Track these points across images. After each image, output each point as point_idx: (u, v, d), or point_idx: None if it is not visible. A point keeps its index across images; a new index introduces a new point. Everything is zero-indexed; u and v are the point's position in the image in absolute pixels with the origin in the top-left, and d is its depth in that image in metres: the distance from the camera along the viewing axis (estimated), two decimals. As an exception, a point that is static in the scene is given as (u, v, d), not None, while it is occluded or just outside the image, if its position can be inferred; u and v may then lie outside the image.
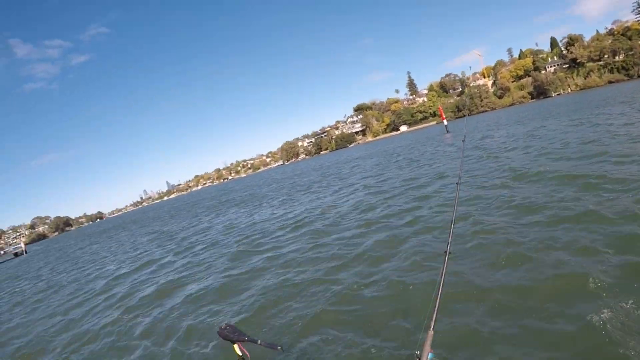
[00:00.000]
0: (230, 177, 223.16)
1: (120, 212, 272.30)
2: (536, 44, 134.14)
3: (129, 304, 11.07)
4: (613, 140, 15.30)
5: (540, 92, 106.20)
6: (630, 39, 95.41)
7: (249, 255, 12.70)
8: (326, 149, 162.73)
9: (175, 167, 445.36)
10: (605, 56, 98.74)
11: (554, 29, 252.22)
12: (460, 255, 7.32)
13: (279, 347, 3.38)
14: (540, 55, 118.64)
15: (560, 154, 15.36)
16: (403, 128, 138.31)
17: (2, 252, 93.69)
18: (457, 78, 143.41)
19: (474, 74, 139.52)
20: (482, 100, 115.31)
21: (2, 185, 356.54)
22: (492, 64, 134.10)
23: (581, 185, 9.98)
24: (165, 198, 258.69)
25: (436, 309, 2.34)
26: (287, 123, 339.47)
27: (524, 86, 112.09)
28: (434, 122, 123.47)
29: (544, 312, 4.98)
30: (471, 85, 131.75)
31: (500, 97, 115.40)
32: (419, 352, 2.11)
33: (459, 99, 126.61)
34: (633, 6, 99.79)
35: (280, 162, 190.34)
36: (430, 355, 2.10)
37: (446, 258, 2.71)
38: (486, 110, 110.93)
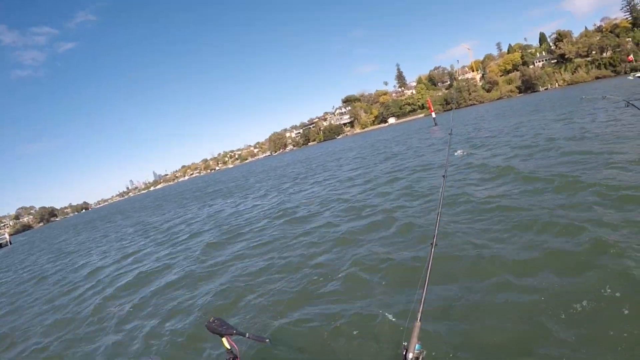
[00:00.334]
0: (217, 168, 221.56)
1: (106, 203, 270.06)
2: (525, 39, 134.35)
3: (111, 293, 11.11)
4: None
5: (528, 86, 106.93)
6: (618, 36, 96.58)
7: (231, 244, 12.75)
8: (314, 140, 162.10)
9: (162, 157, 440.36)
10: (593, 52, 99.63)
11: (543, 25, 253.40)
12: (444, 246, 7.26)
13: (267, 340, 3.27)
14: (529, 50, 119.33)
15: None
16: (391, 120, 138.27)
17: None
18: (445, 71, 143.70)
19: (463, 67, 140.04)
20: (470, 94, 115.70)
21: None
22: (481, 58, 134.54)
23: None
24: (152, 188, 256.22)
25: (422, 299, 2.35)
26: (275, 114, 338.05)
27: (512, 80, 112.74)
28: (422, 115, 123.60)
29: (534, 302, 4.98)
30: (460, 78, 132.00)
31: (488, 91, 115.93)
32: (406, 344, 2.13)
33: (447, 92, 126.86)
34: (622, 4, 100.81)
35: (268, 153, 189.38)
36: (417, 346, 2.09)
37: (432, 249, 2.71)
38: (474, 104, 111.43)
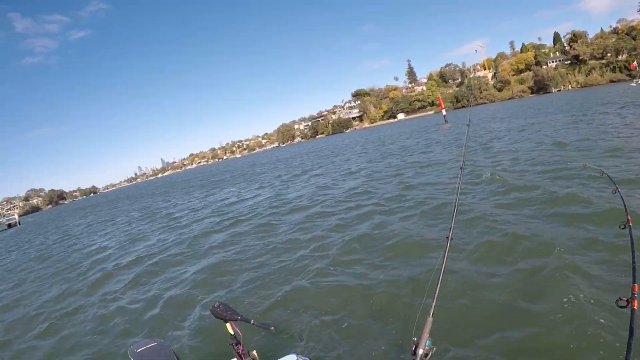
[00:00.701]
0: (225, 157, 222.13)
1: (114, 188, 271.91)
2: (539, 39, 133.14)
3: (113, 273, 11.45)
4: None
5: (540, 87, 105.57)
6: (634, 38, 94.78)
7: (241, 234, 12.62)
8: (322, 133, 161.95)
9: (170, 144, 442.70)
10: (608, 55, 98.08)
11: (558, 25, 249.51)
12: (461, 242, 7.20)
13: (272, 328, 3.18)
14: (543, 50, 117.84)
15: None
16: (400, 116, 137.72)
17: None
18: (457, 68, 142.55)
19: (475, 65, 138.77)
20: (481, 92, 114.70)
21: None
22: (493, 56, 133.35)
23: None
24: (160, 175, 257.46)
25: (436, 295, 2.30)
26: (284, 105, 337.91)
27: (525, 80, 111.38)
28: (432, 112, 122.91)
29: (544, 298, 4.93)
30: (471, 76, 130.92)
31: (499, 90, 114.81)
32: (416, 339, 2.06)
33: (458, 90, 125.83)
34: (639, 5, 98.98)
35: (276, 144, 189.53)
36: (428, 342, 2.04)
37: (448, 243, 2.63)
38: (485, 103, 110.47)
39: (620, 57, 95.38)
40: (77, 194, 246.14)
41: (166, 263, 11.22)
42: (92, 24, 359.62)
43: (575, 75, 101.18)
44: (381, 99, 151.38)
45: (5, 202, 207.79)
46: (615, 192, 2.63)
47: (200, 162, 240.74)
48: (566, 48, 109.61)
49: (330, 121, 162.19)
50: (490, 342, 4.40)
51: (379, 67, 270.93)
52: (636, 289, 1.83)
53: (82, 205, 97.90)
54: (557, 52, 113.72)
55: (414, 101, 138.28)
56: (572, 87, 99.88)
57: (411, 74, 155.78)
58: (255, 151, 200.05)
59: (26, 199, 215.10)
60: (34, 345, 7.61)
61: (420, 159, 21.16)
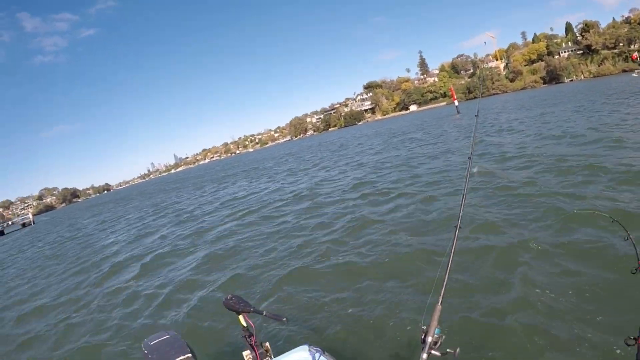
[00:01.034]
0: (237, 152, 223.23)
1: (127, 184, 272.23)
2: (551, 29, 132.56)
3: (129, 268, 11.79)
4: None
5: (552, 77, 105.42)
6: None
7: (255, 224, 13.12)
8: (334, 125, 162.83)
9: (183, 140, 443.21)
10: (621, 44, 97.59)
11: (570, 14, 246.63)
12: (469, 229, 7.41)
13: (284, 319, 3.13)
14: (555, 40, 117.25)
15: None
16: (413, 107, 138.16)
17: (10, 222, 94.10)
18: (469, 59, 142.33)
19: (487, 55, 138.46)
20: (493, 83, 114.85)
21: (11, 157, 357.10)
22: (505, 47, 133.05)
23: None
24: (173, 171, 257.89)
25: (444, 282, 2.26)
26: (296, 99, 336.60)
27: (537, 70, 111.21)
28: (444, 103, 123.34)
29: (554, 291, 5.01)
30: (483, 67, 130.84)
31: (512, 81, 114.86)
32: (424, 327, 2.05)
33: (470, 81, 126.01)
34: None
35: (288, 138, 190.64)
36: (437, 330, 2.03)
37: (456, 231, 2.56)
38: (497, 93, 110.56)
39: (632, 47, 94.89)
40: (91, 191, 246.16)
41: (177, 256, 11.59)
42: (101, 22, 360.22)
43: (587, 65, 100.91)
44: (393, 91, 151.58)
45: (19, 202, 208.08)
46: (627, 239, 2.51)
47: (212, 157, 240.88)
48: (578, 38, 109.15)
49: (343, 114, 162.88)
50: (500, 334, 4.49)
51: (391, 58, 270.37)
52: None
53: (95, 202, 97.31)
54: (569, 42, 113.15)
55: (426, 92, 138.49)
56: (584, 77, 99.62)
57: (423, 66, 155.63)
58: (267, 145, 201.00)
59: (40, 198, 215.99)
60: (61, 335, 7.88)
61: (434, 150, 22.12)
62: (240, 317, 3.02)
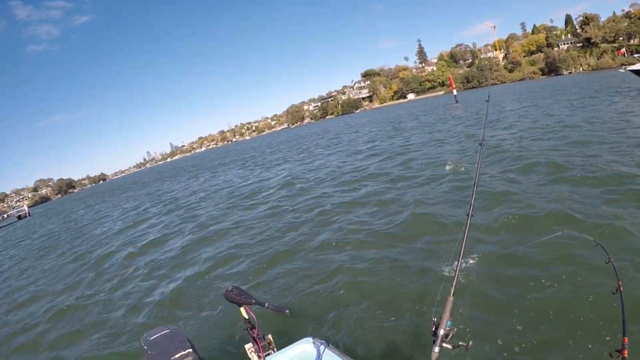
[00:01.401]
0: (234, 140, 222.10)
1: (123, 174, 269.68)
2: (551, 20, 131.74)
3: (126, 258, 11.89)
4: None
5: (551, 69, 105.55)
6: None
7: (250, 215, 13.03)
8: (332, 113, 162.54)
9: (179, 128, 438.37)
10: (620, 38, 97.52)
11: (570, 7, 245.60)
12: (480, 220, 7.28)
13: (287, 311, 3.13)
14: (554, 32, 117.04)
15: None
16: (410, 96, 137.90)
17: (5, 215, 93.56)
18: (468, 49, 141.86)
19: (486, 45, 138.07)
20: (492, 73, 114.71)
21: (5, 149, 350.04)
22: (505, 37, 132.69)
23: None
24: (169, 160, 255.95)
25: (456, 273, 2.24)
26: (293, 86, 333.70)
27: (536, 62, 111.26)
28: (442, 92, 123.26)
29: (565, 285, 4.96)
30: (482, 57, 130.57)
31: (510, 71, 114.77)
32: (436, 319, 2.02)
33: (468, 70, 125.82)
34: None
35: (285, 126, 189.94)
36: (448, 323, 1.99)
37: (468, 220, 2.53)
38: (495, 83, 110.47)
39: (632, 41, 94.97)
40: (86, 182, 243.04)
41: (177, 248, 11.39)
42: (94, 9, 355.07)
43: (586, 58, 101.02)
44: (391, 79, 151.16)
45: (14, 194, 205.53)
46: (608, 262, 2.62)
47: (209, 145, 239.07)
48: (578, 31, 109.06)
49: (340, 102, 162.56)
50: (513, 328, 4.40)
51: (389, 47, 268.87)
52: (626, 341, 1.88)
53: (91, 192, 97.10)
54: (569, 35, 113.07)
55: (424, 81, 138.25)
56: (583, 70, 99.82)
57: (421, 54, 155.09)
58: (264, 133, 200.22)
59: (35, 189, 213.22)
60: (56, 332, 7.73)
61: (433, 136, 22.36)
62: (242, 310, 3.00)
